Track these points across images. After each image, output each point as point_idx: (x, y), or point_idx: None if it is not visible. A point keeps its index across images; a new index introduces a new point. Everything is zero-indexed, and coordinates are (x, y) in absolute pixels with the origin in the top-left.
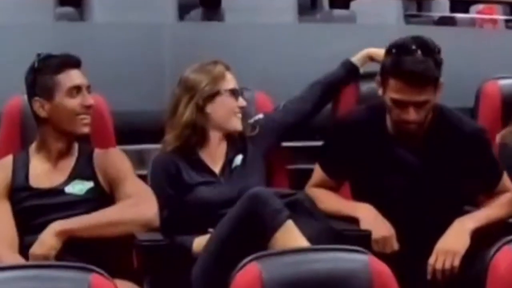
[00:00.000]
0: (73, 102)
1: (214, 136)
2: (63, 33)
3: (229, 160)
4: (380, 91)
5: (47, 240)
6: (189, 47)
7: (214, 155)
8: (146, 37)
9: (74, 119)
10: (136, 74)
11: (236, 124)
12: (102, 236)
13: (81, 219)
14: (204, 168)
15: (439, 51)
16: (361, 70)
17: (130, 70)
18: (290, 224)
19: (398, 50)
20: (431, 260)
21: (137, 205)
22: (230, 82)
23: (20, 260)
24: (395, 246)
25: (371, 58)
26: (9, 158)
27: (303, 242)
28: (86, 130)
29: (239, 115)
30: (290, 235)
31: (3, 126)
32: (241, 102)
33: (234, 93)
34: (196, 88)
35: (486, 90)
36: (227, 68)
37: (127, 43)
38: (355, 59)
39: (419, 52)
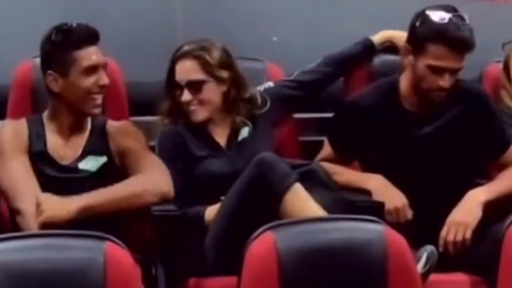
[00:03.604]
0: (88, 81)
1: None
2: (76, 4)
3: (235, 133)
4: (408, 59)
5: (64, 213)
6: (201, 18)
7: (221, 127)
8: (158, 7)
9: (87, 98)
10: (148, 45)
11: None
12: (119, 210)
13: (97, 194)
14: (210, 141)
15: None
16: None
17: (142, 41)
18: (298, 187)
19: (435, 17)
20: (443, 233)
21: (152, 177)
22: (177, 75)
23: None
24: (409, 215)
25: (391, 42)
26: (22, 122)
27: (312, 204)
28: (96, 111)
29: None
30: (299, 197)
31: (14, 91)
32: (184, 97)
33: (179, 86)
34: None
35: (488, 72)
36: (179, 58)
37: (139, 14)
38: (376, 39)
39: (456, 18)
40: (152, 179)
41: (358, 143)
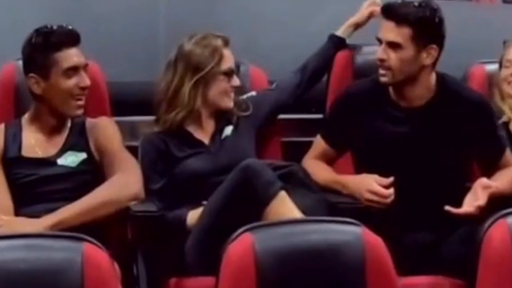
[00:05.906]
0: (69, 83)
1: (205, 112)
2: (59, 3)
3: (219, 131)
4: None
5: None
6: (183, 18)
7: (203, 128)
8: (141, 7)
9: (69, 100)
10: (130, 45)
11: (227, 103)
12: (93, 220)
13: (69, 208)
14: (192, 141)
15: (434, 12)
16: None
17: (124, 40)
18: (283, 195)
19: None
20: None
21: (123, 181)
22: (227, 61)
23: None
24: (387, 192)
25: (355, 26)
26: (0, 127)
27: (296, 213)
28: (79, 112)
29: (232, 94)
30: (283, 206)
31: None
32: (235, 81)
33: (229, 73)
34: (201, 69)
35: (472, 73)
36: (226, 43)
37: (121, 14)
38: (340, 32)
39: (415, 3)
40: (121, 184)
41: (349, 133)
